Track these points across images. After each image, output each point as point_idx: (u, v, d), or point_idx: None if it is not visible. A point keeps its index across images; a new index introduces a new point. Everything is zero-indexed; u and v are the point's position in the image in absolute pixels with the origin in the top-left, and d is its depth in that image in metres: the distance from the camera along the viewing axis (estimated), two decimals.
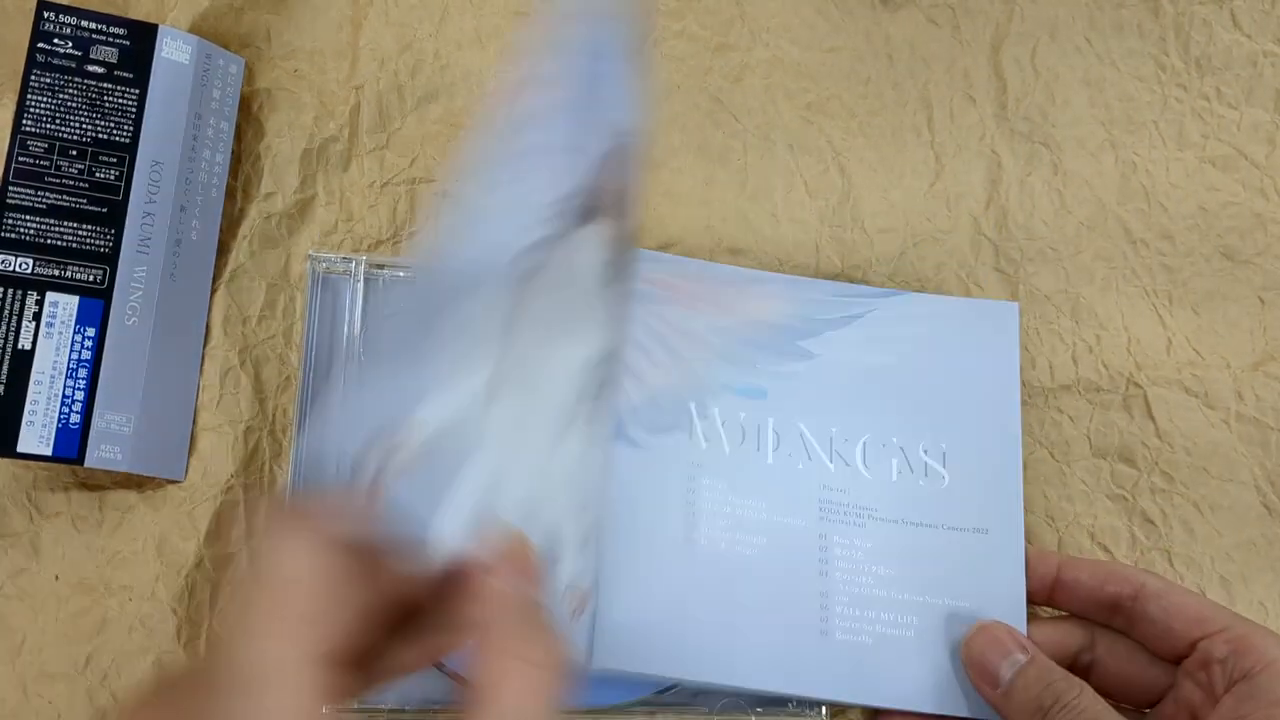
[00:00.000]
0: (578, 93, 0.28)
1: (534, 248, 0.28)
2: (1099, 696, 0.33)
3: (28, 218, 0.37)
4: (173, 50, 0.39)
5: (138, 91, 0.38)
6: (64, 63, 0.38)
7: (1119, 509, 0.41)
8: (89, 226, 0.37)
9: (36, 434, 0.35)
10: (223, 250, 0.40)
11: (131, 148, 0.38)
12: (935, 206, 0.43)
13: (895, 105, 0.44)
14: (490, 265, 0.27)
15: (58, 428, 0.36)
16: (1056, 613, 0.38)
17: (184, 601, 0.37)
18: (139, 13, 0.41)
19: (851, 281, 0.42)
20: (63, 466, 0.37)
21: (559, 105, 0.28)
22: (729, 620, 0.36)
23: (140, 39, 0.39)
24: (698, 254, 0.42)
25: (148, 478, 0.38)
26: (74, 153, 0.37)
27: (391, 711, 0.35)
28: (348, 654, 0.23)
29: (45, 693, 0.36)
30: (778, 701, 0.37)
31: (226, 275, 0.40)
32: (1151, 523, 0.41)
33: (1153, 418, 0.42)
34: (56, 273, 0.37)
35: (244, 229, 0.40)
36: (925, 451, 0.39)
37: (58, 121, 0.37)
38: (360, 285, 0.39)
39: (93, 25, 0.38)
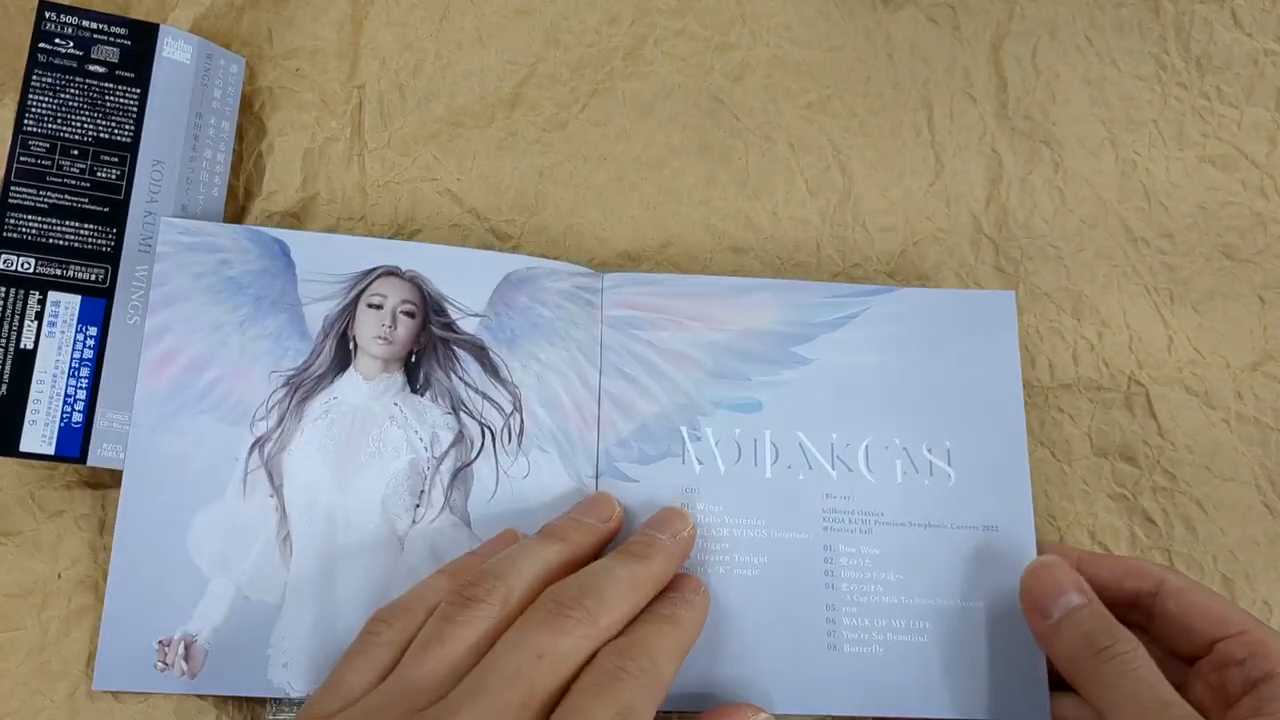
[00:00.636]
0: None
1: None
2: (1153, 663, 0.32)
3: (29, 217, 0.37)
4: (174, 50, 0.39)
5: (139, 91, 0.38)
6: (65, 62, 0.38)
7: (1120, 508, 0.41)
8: (90, 226, 0.37)
9: (39, 433, 0.35)
10: None
11: (133, 147, 0.38)
12: (936, 205, 0.44)
13: (896, 104, 0.44)
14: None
15: (60, 427, 0.36)
16: None
17: None
18: (140, 12, 0.41)
19: (852, 280, 0.42)
20: (65, 465, 0.37)
21: None
22: (730, 649, 0.35)
23: (141, 39, 0.39)
24: (698, 253, 0.42)
25: None
26: (75, 152, 0.37)
27: None
28: None
29: (47, 691, 0.36)
30: None
31: None
32: (1152, 522, 0.41)
33: (1155, 416, 0.42)
34: (58, 272, 0.37)
35: None
36: (929, 450, 0.39)
37: (59, 121, 0.37)
38: None
39: (94, 25, 0.38)
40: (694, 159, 0.43)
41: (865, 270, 0.43)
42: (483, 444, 0.37)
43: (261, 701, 0.36)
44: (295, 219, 0.41)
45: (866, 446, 0.38)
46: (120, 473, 0.36)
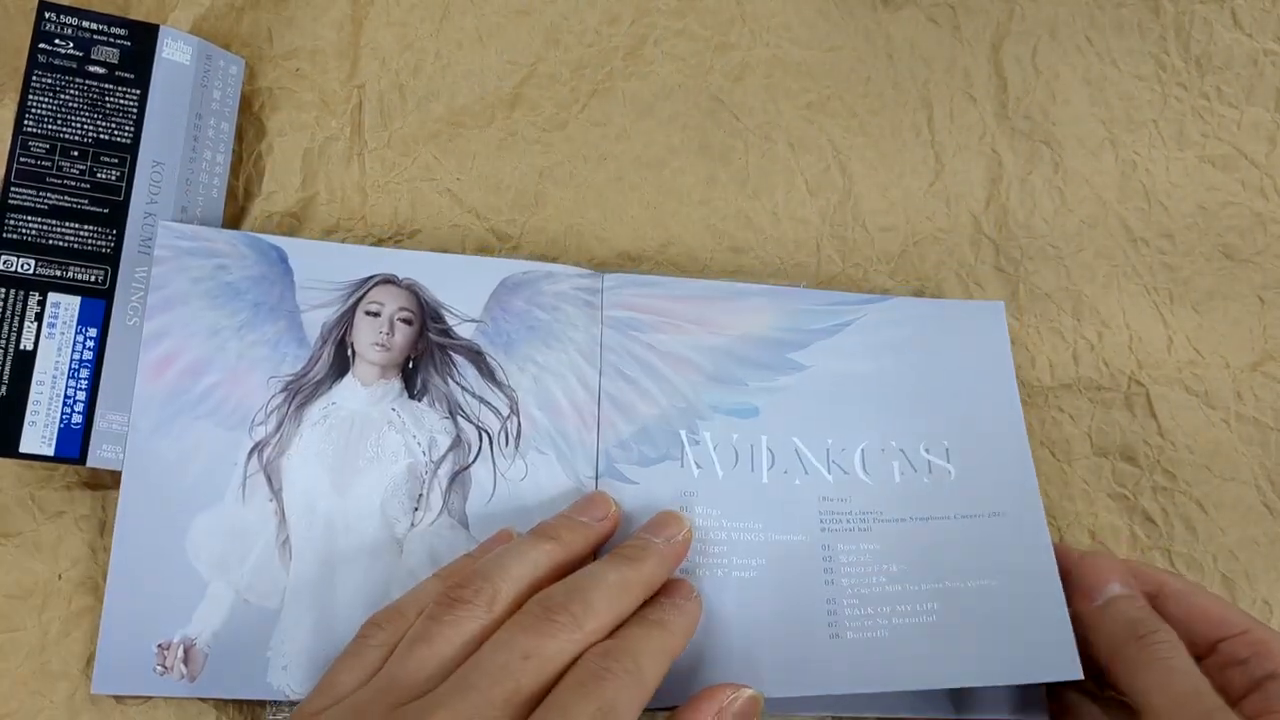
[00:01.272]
0: None
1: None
2: (1189, 656, 0.32)
3: (29, 218, 0.37)
4: (173, 51, 0.39)
5: (139, 92, 0.38)
6: (65, 63, 0.38)
7: (1120, 508, 0.41)
8: (90, 227, 0.37)
9: (38, 434, 0.35)
10: None
11: (132, 148, 0.38)
12: (936, 205, 0.44)
13: (896, 104, 0.44)
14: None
15: (59, 428, 0.36)
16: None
17: None
18: (140, 13, 0.41)
19: (853, 280, 0.42)
20: (65, 466, 0.37)
21: None
22: (731, 648, 0.35)
23: (141, 39, 0.39)
24: (698, 253, 0.42)
25: None
26: (75, 153, 0.37)
27: None
28: None
29: (47, 692, 0.36)
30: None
31: None
32: (1152, 521, 0.41)
33: (1155, 416, 0.42)
34: (58, 273, 0.37)
35: (245, 228, 0.40)
36: (927, 450, 0.39)
37: (59, 122, 0.37)
38: None
39: (94, 26, 0.38)
40: (694, 159, 0.43)
41: (865, 271, 0.43)
42: (480, 447, 0.37)
43: (261, 704, 0.36)
44: (295, 219, 0.41)
45: (863, 450, 0.39)
46: (120, 474, 0.36)
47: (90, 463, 0.36)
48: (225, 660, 0.34)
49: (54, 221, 0.37)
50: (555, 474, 0.37)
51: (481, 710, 0.27)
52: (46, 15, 0.38)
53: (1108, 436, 0.42)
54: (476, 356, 0.38)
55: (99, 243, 0.37)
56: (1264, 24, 0.45)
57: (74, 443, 0.36)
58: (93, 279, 0.37)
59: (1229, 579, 0.40)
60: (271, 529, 0.36)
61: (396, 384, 0.38)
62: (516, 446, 0.37)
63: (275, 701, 0.35)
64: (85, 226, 0.37)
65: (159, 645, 0.34)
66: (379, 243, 0.41)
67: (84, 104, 0.38)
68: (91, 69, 0.38)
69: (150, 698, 0.35)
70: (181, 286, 0.37)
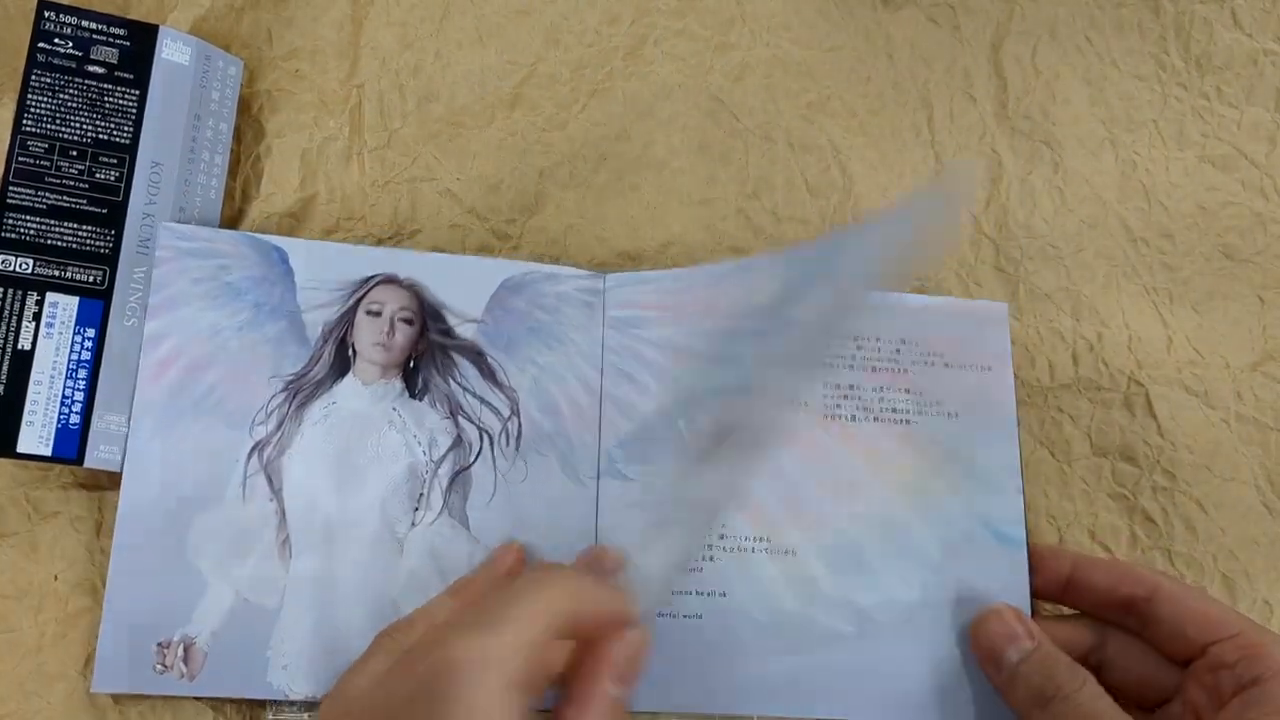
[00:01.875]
0: None
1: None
2: (1102, 692, 0.33)
3: (28, 218, 0.37)
4: (173, 51, 0.39)
5: (138, 92, 0.38)
6: (64, 63, 0.37)
7: (1120, 508, 0.41)
8: (89, 227, 0.37)
9: (36, 434, 0.35)
10: None
11: (131, 148, 0.38)
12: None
13: (896, 104, 0.44)
14: None
15: (57, 428, 0.36)
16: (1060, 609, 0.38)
17: None
18: (139, 13, 0.41)
19: None
20: (62, 467, 0.37)
21: None
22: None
23: (140, 40, 0.38)
24: (699, 253, 0.42)
25: None
26: (74, 153, 0.37)
27: None
28: None
29: (44, 693, 0.35)
30: None
31: None
32: (1152, 521, 0.41)
33: (1154, 416, 0.42)
34: (56, 273, 0.36)
35: (244, 228, 0.40)
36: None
37: (58, 122, 0.37)
38: None
39: (93, 25, 0.38)
40: (694, 159, 0.43)
41: None
42: (480, 448, 0.37)
43: (261, 704, 0.36)
44: (294, 219, 0.41)
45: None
46: (117, 474, 0.36)
47: (88, 463, 0.36)
48: (225, 659, 0.34)
49: (52, 221, 0.37)
50: (555, 475, 0.37)
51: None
52: (46, 15, 0.37)
53: (1107, 436, 0.42)
54: (477, 357, 0.38)
55: (97, 243, 0.37)
56: (1264, 24, 0.45)
57: (71, 443, 0.36)
58: (91, 279, 0.37)
59: (1229, 579, 0.40)
60: (272, 528, 0.36)
61: (397, 384, 0.38)
62: (517, 448, 0.37)
63: (275, 702, 0.35)
64: (84, 226, 0.37)
65: (159, 644, 0.34)
66: (379, 243, 0.41)
67: (83, 104, 0.38)
68: (91, 69, 0.38)
69: (148, 699, 0.35)
70: (182, 287, 0.37)
